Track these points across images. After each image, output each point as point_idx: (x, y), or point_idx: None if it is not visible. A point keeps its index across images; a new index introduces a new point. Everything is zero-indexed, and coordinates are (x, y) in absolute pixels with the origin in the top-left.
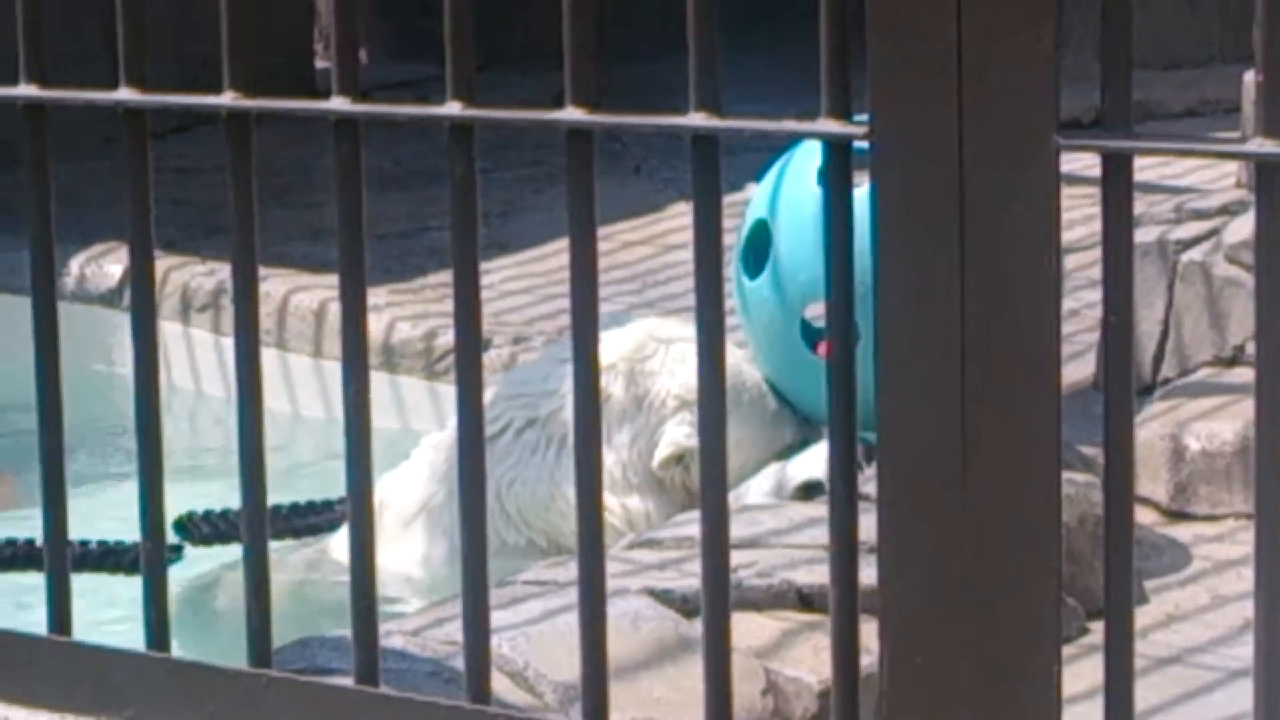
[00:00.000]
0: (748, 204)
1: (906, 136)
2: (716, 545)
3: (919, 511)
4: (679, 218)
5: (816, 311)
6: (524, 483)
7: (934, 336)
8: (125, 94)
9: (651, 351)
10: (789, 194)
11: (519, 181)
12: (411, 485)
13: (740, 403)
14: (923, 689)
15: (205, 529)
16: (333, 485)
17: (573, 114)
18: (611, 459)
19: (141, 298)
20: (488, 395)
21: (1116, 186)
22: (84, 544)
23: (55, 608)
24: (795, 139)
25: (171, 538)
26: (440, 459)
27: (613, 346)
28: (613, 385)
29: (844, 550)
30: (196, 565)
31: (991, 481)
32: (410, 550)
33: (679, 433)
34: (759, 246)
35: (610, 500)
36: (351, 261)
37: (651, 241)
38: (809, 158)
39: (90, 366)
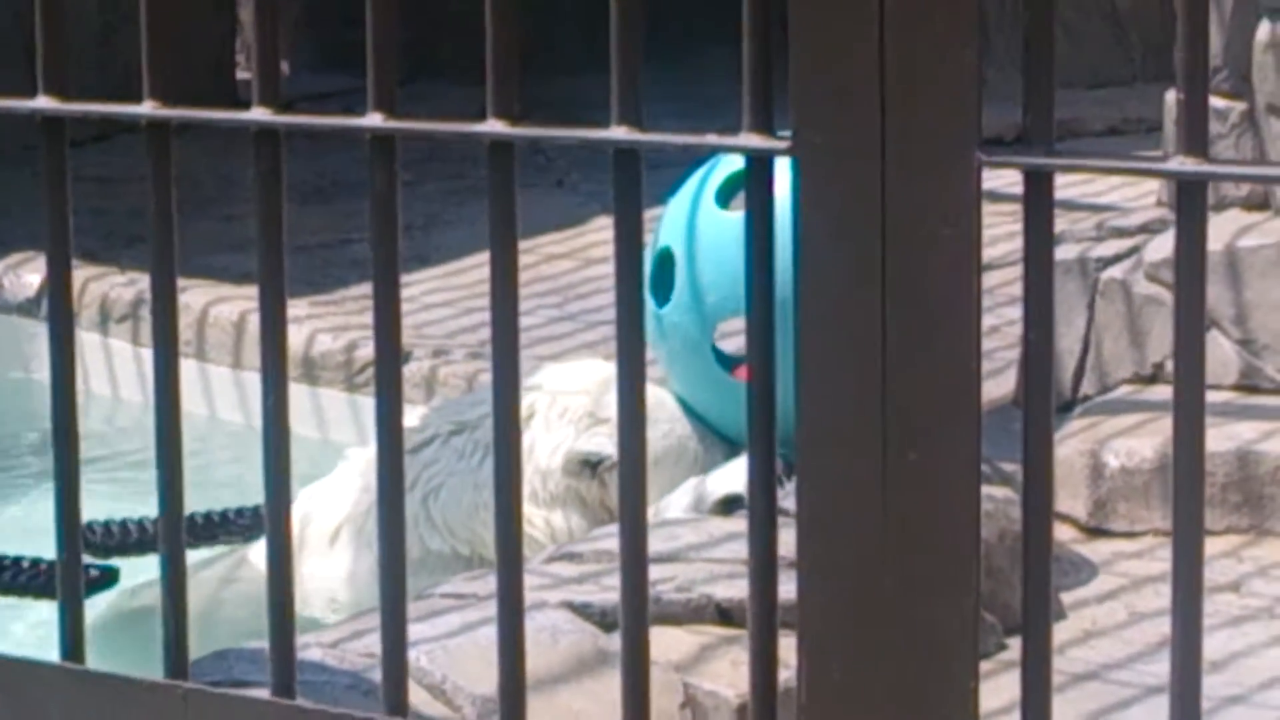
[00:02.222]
0: (655, 229)
1: (828, 151)
2: (635, 559)
3: (838, 527)
4: (602, 231)
5: (728, 336)
6: (449, 490)
7: (854, 352)
8: (43, 102)
9: (587, 378)
10: (688, 219)
11: (441, 194)
12: (336, 499)
13: (656, 421)
14: (840, 704)
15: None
16: (250, 495)
17: (494, 126)
18: (530, 469)
19: (59, 309)
20: (418, 415)
21: (1038, 203)
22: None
23: None
24: (702, 159)
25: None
26: (367, 472)
27: (554, 377)
28: (539, 403)
29: (763, 565)
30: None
31: (911, 497)
32: (334, 564)
33: (589, 440)
34: (664, 274)
35: (533, 512)
36: (271, 272)
37: (574, 255)
38: (706, 181)
39: (7, 376)
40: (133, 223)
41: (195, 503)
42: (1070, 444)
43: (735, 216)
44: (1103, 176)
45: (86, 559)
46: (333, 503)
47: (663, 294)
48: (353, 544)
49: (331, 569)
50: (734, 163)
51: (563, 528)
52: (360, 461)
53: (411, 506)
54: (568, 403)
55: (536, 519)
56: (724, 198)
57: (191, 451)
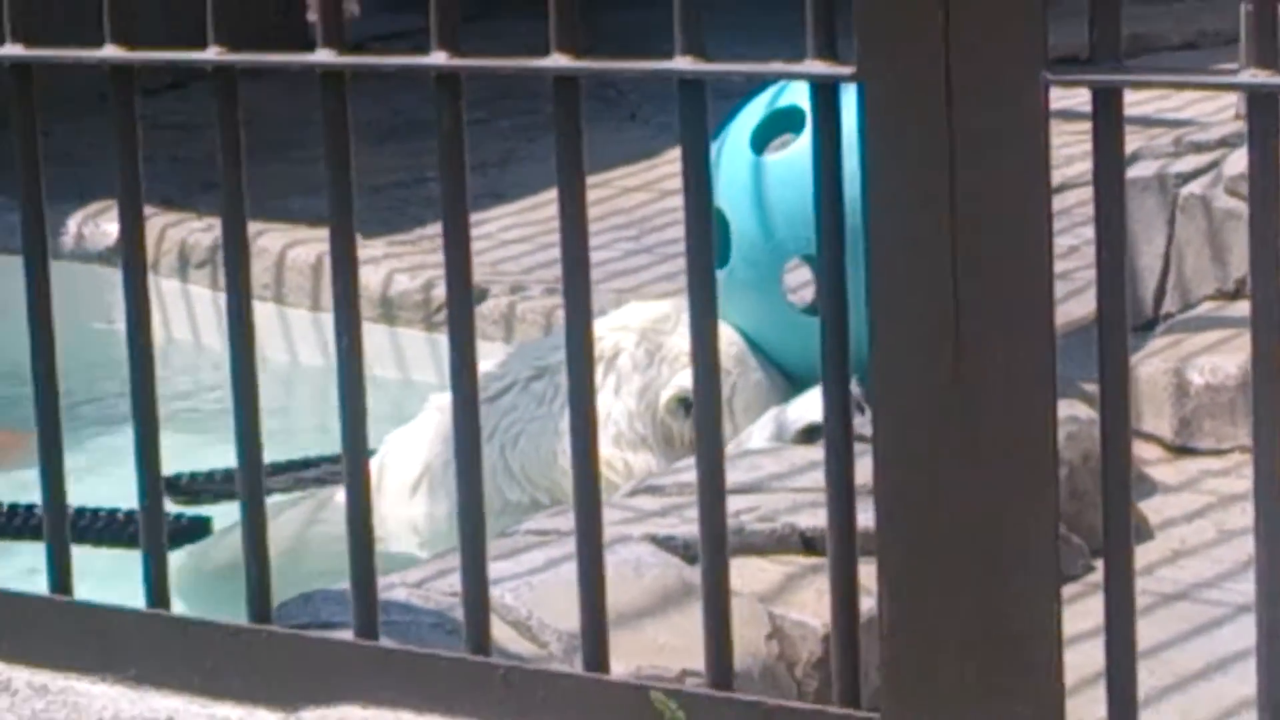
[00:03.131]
0: None
1: (894, 75)
2: (712, 489)
3: (915, 453)
4: (676, 163)
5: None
6: (528, 437)
7: (926, 277)
8: (110, 51)
9: (673, 315)
10: (729, 173)
11: (516, 130)
12: (415, 447)
13: (750, 367)
14: (922, 631)
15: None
16: (332, 440)
17: (558, 61)
18: (619, 409)
19: (132, 256)
20: (496, 360)
21: (1106, 121)
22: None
23: (56, 567)
24: (743, 102)
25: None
26: (445, 419)
27: (638, 314)
28: (625, 342)
29: (841, 494)
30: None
31: (987, 422)
32: (414, 512)
33: (686, 377)
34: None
35: (613, 454)
36: (340, 213)
37: (648, 187)
38: (737, 130)
39: (90, 325)
40: (209, 168)
41: (279, 450)
42: (1154, 362)
43: (779, 158)
44: (1179, 91)
45: (179, 508)
46: (413, 450)
47: (720, 255)
48: (431, 491)
49: (412, 516)
50: (758, 109)
51: (643, 469)
52: (440, 408)
53: (490, 457)
54: (659, 341)
55: (616, 461)
56: (758, 144)
57: (272, 396)
